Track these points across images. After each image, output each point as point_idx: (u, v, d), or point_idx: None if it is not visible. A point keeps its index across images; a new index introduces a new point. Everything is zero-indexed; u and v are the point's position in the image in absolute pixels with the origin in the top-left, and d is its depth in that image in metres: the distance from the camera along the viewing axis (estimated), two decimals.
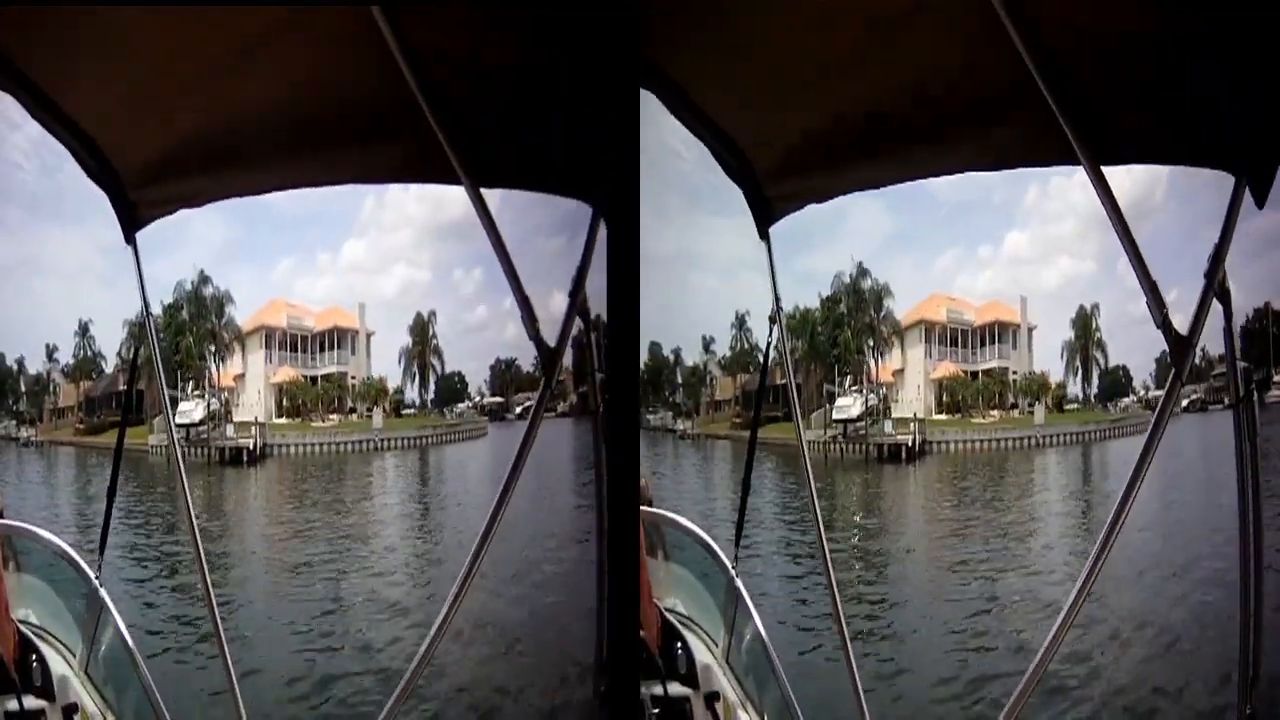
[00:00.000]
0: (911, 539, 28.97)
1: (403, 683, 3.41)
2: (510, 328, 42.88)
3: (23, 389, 45.82)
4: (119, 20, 2.83)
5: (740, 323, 46.54)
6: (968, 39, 2.84)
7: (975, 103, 3.06)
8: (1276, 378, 37.30)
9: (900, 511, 34.11)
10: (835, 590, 4.77)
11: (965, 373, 45.22)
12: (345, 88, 3.07)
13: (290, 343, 45.21)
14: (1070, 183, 44.20)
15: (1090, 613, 16.62)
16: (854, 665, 4.45)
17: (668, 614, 4.93)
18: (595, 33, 2.91)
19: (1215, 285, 2.88)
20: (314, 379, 44.82)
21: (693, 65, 3.21)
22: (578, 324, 3.16)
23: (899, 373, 45.16)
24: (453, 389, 45.07)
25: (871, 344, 45.00)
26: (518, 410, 43.80)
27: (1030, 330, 46.00)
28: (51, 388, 45.94)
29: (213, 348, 43.46)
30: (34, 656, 4.70)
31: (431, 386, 45.27)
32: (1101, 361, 44.77)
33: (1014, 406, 44.63)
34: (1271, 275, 38.37)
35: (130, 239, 3.70)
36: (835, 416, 43.45)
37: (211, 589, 4.69)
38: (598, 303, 3.15)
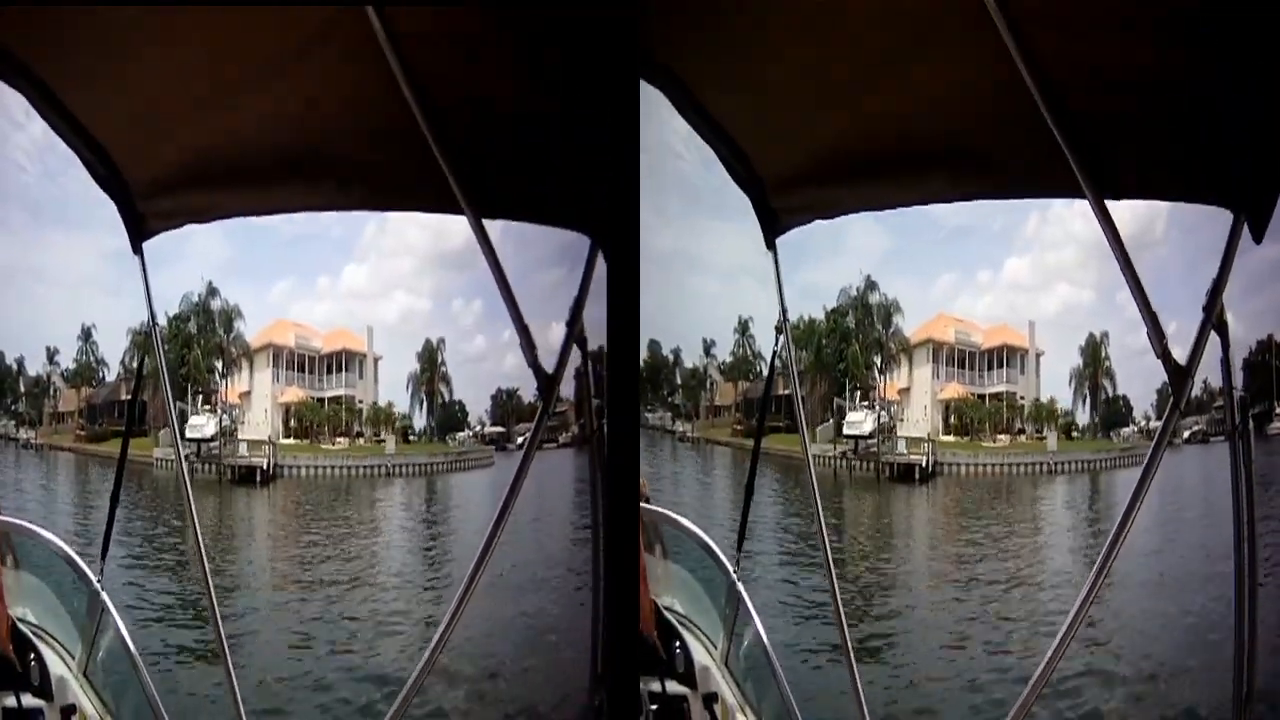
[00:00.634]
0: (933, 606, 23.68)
1: (404, 691, 3.48)
2: (509, 359, 42.76)
3: (22, 389, 45.34)
4: (137, 32, 2.89)
5: (744, 328, 46.27)
6: (977, 67, 2.90)
7: (981, 132, 3.13)
8: (1278, 410, 37.42)
9: (916, 553, 30.30)
10: (836, 590, 4.86)
11: (973, 395, 45.08)
12: (353, 116, 3.13)
13: (297, 363, 44.95)
14: (1071, 211, 43.90)
15: None
16: (856, 672, 4.54)
17: (666, 612, 5.00)
18: (591, 44, 2.96)
19: (1213, 318, 2.96)
20: (321, 401, 44.52)
21: (701, 67, 3.27)
22: (576, 353, 3.23)
23: (904, 391, 44.75)
24: (453, 417, 44.98)
25: (880, 360, 44.75)
26: (518, 440, 43.61)
27: (1038, 356, 45.99)
28: (52, 391, 45.44)
29: (220, 363, 42.95)
30: (32, 656, 4.75)
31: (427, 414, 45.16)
32: (1109, 390, 44.77)
33: (1021, 432, 44.51)
34: (1273, 308, 38.51)
35: (137, 249, 3.75)
36: (847, 432, 42.81)
37: (219, 615, 4.71)
38: (595, 332, 3.22)
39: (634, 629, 4.21)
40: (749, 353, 45.98)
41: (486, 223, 3.19)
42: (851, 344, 44.21)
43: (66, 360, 45.04)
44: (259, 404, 43.48)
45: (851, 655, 4.68)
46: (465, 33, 2.93)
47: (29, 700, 4.65)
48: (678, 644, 4.90)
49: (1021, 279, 49.13)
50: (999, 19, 2.67)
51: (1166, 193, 3.20)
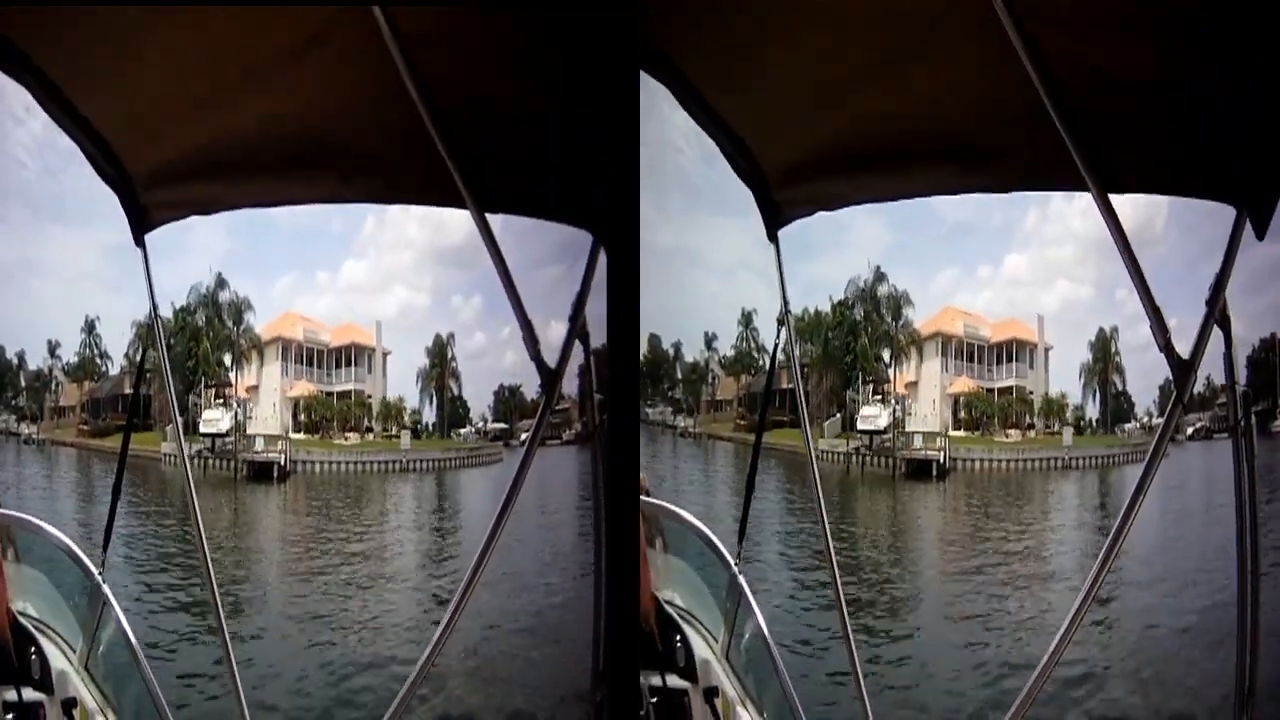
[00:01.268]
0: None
1: (405, 687, 3.51)
2: (508, 356, 42.96)
3: (23, 384, 45.10)
4: (140, 25, 2.93)
5: (747, 321, 46.10)
6: (982, 61, 2.92)
7: (986, 126, 3.16)
8: None
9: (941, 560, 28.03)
10: (838, 585, 4.89)
11: (982, 389, 44.87)
12: (355, 110, 3.18)
13: (306, 357, 44.81)
14: (1070, 208, 44.18)
15: None
16: (859, 669, 4.58)
17: (666, 606, 5.03)
18: (591, 41, 2.99)
19: (1216, 313, 2.99)
20: (328, 395, 44.36)
21: (702, 59, 3.30)
22: (578, 349, 3.27)
23: (912, 385, 44.47)
24: (455, 413, 44.95)
25: (889, 353, 44.43)
26: (522, 437, 43.47)
27: (1047, 350, 45.88)
28: (53, 385, 45.26)
29: (229, 357, 42.75)
30: (33, 649, 4.77)
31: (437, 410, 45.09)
32: (1119, 385, 44.65)
33: (1031, 427, 44.32)
34: (1275, 306, 38.49)
35: (139, 241, 3.79)
36: (861, 426, 42.35)
37: (224, 620, 4.74)
38: (595, 328, 3.26)
39: (634, 624, 4.24)
40: (752, 346, 45.85)
41: (488, 217, 3.22)
42: (860, 336, 44.01)
43: (68, 354, 45.01)
44: (267, 398, 43.38)
45: (853, 647, 4.71)
46: (466, 29, 2.96)
47: (29, 694, 4.68)
48: (678, 638, 4.92)
49: (1021, 275, 49.22)
50: (1004, 16, 2.69)
51: (1169, 188, 3.22)
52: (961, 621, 21.39)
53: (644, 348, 43.35)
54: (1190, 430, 39.30)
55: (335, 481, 40.01)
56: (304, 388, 43.98)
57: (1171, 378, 2.99)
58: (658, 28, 3.10)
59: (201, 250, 41.42)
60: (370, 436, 43.30)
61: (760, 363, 45.00)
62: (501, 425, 43.91)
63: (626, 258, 3.08)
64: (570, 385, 3.41)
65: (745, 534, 5.19)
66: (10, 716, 4.59)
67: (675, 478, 37.50)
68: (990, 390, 44.63)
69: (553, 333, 3.28)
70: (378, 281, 48.94)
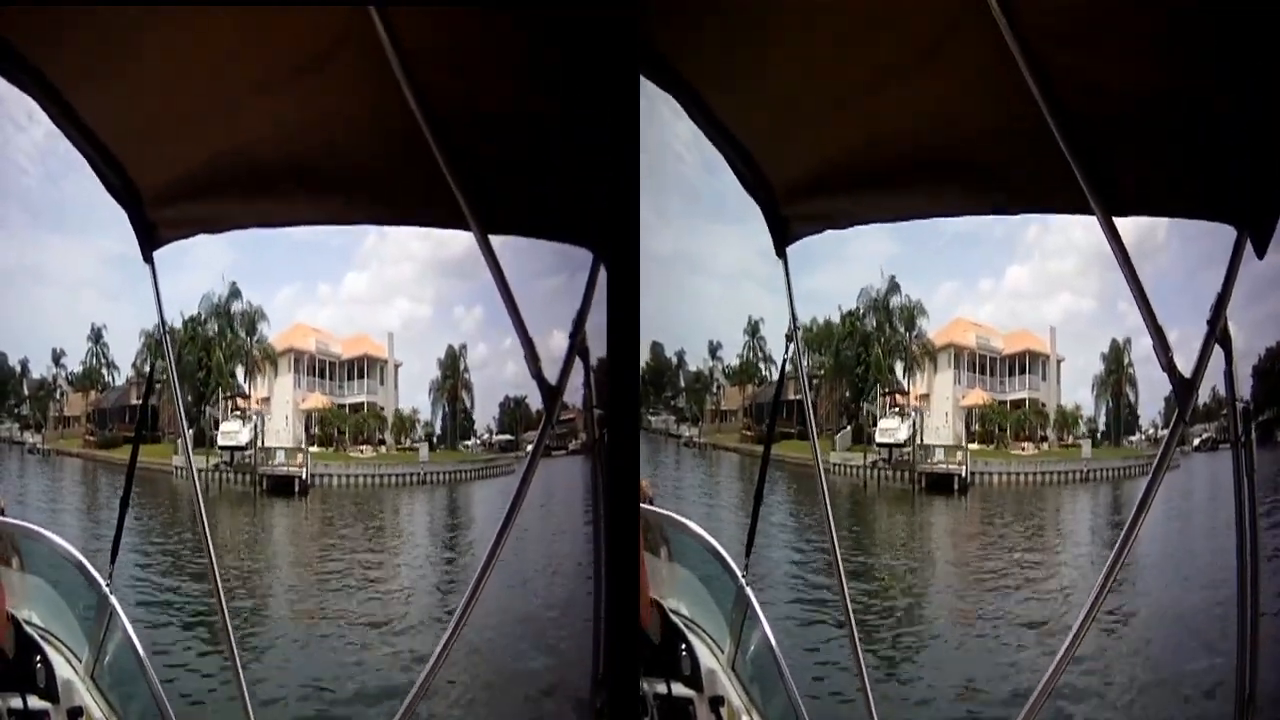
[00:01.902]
0: None
1: (412, 693, 3.56)
2: (510, 366, 42.68)
3: (26, 392, 44.74)
4: (142, 34, 2.98)
5: (754, 330, 45.82)
6: (985, 81, 2.97)
7: (989, 144, 3.20)
8: None
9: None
10: (846, 592, 4.93)
11: (996, 402, 44.58)
12: (359, 129, 3.23)
13: (318, 368, 44.60)
14: (1071, 221, 43.85)
15: None
16: (865, 675, 4.62)
17: (671, 615, 5.07)
18: (593, 50, 3.04)
19: (1218, 332, 3.05)
20: (341, 407, 44.12)
21: (707, 71, 3.34)
22: (578, 364, 3.33)
23: (923, 397, 44.26)
24: (460, 425, 44.89)
25: (903, 364, 43.91)
26: (526, 449, 43.00)
27: (1059, 362, 45.72)
28: (58, 394, 44.83)
29: (241, 369, 42.33)
30: (38, 658, 4.82)
31: (442, 421, 44.95)
32: (1132, 396, 44.45)
33: (1044, 439, 44.05)
34: (1275, 315, 38.43)
35: (148, 257, 3.83)
36: (880, 440, 41.64)
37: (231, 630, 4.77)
38: (596, 338, 3.32)
39: (635, 631, 4.28)
40: (759, 355, 45.53)
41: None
42: (874, 347, 43.77)
43: (73, 363, 44.87)
44: (279, 410, 43.14)
45: (864, 670, 4.73)
46: (466, 45, 3.02)
47: (35, 702, 4.73)
48: (683, 647, 4.96)
49: (1023, 287, 49.15)
50: (1009, 36, 2.75)
51: (1172, 209, 3.30)
52: None
53: (646, 355, 43.16)
54: (1196, 441, 39.11)
55: (355, 496, 39.50)
56: (317, 400, 43.83)
57: (1174, 395, 3.05)
58: (658, 34, 3.14)
59: (204, 262, 41.36)
60: (383, 449, 43.30)
61: (765, 373, 44.79)
62: (507, 437, 43.81)
63: (626, 272, 3.13)
64: (574, 395, 3.47)
65: (753, 546, 5.21)
66: None
67: (679, 490, 36.84)
68: (1002, 403, 44.42)
69: (554, 344, 3.33)
70: (379, 293, 49.10)
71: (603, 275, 3.26)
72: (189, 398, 39.85)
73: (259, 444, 40.97)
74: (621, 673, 3.46)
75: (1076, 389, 45.17)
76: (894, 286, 44.02)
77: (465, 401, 44.36)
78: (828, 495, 4.89)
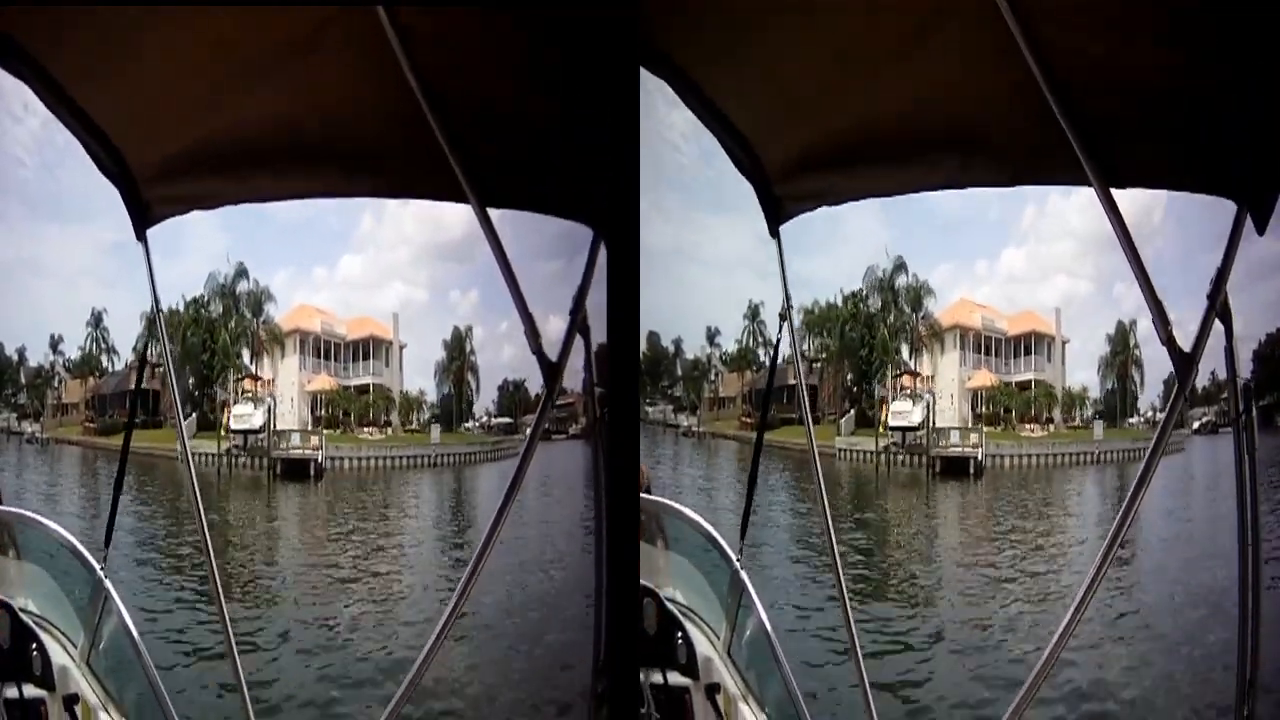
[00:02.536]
0: None
1: (407, 679, 3.57)
2: (507, 350, 43.28)
3: (23, 381, 44.46)
4: (140, 20, 2.98)
5: (754, 314, 45.87)
6: (982, 56, 2.97)
7: (987, 118, 3.21)
8: None
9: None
10: (842, 583, 4.93)
11: (1003, 383, 44.38)
12: (358, 103, 3.23)
13: (323, 349, 44.57)
14: (1067, 203, 44.32)
15: None
16: (862, 666, 4.63)
17: (668, 603, 5.07)
18: (592, 38, 3.04)
19: (1217, 306, 3.04)
20: (347, 389, 44.13)
21: (702, 55, 3.34)
22: (579, 342, 3.33)
23: (928, 379, 44.31)
24: (462, 407, 44.92)
25: (909, 346, 43.85)
26: (526, 431, 42.62)
27: (1064, 343, 45.68)
28: (56, 381, 44.64)
29: (248, 350, 42.25)
30: (34, 646, 4.82)
31: (441, 402, 44.91)
32: (1138, 379, 44.38)
33: (1049, 421, 43.86)
34: (1274, 301, 38.44)
35: (141, 236, 3.84)
36: (892, 423, 41.34)
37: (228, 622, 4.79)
38: (595, 320, 3.32)
39: (635, 614, 4.29)
40: (759, 341, 45.53)
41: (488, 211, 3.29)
42: (880, 328, 43.64)
43: (71, 349, 44.83)
44: (285, 392, 43.26)
45: (860, 660, 4.74)
46: (467, 23, 3.01)
47: (30, 691, 4.75)
48: (679, 635, 4.97)
49: (1019, 270, 49.27)
50: (1005, 8, 2.74)
51: (1170, 182, 3.28)
52: None
53: (643, 346, 43.15)
54: (1196, 424, 39.07)
55: (368, 478, 38.91)
56: (323, 381, 43.86)
57: (1173, 369, 3.04)
58: (657, 21, 3.14)
59: (198, 247, 41.40)
60: (389, 431, 43.13)
61: (765, 359, 44.79)
62: (506, 420, 43.86)
63: (627, 250, 3.13)
64: (574, 380, 3.47)
65: (747, 530, 5.22)
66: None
67: (677, 481, 35.80)
68: (1008, 384, 44.38)
69: (552, 328, 3.34)
70: (375, 277, 49.24)
71: (602, 256, 3.26)
72: (191, 380, 39.66)
73: (271, 427, 40.82)
74: (622, 658, 3.46)
75: (1074, 371, 45.25)
76: (900, 266, 44.02)
77: (471, 384, 44.42)
78: (822, 483, 4.88)
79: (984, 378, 44.59)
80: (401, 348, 45.51)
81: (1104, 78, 2.91)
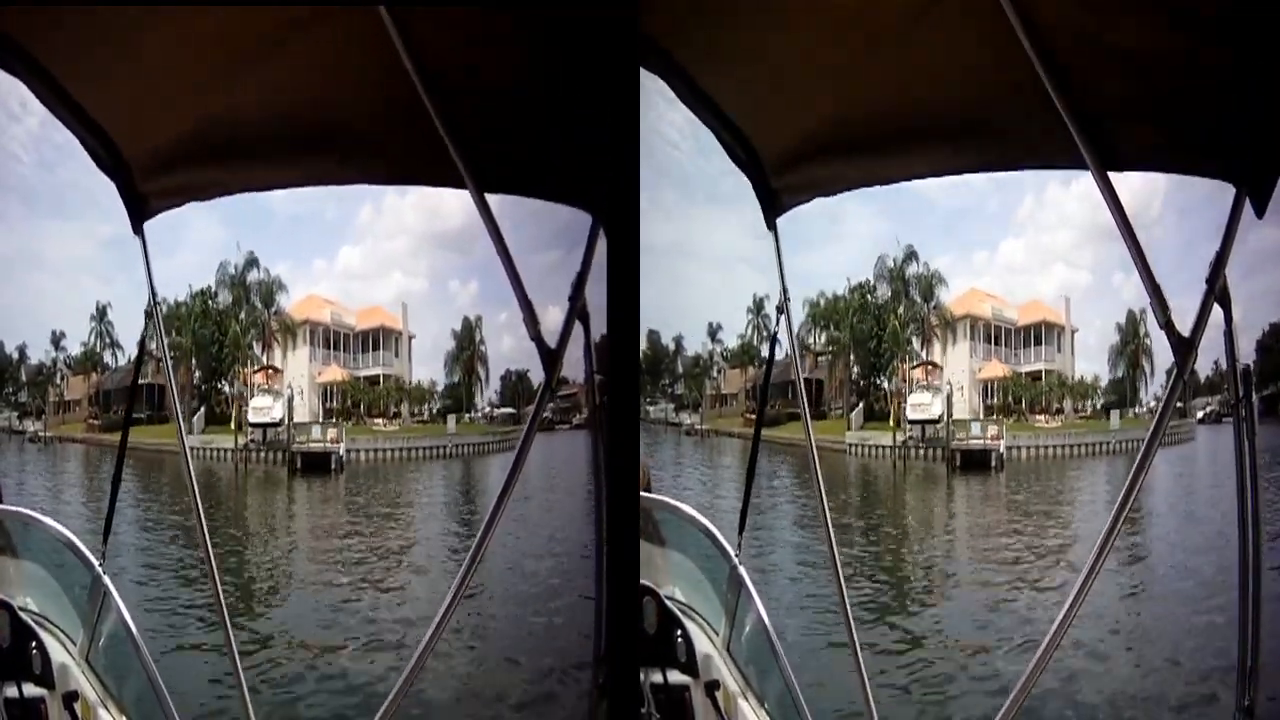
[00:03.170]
0: None
1: (406, 671, 3.59)
2: (507, 340, 43.28)
3: (24, 378, 44.09)
4: (133, 13, 2.99)
5: (758, 308, 45.53)
6: (979, 40, 2.98)
7: (985, 104, 3.22)
8: None
9: None
10: (840, 577, 4.94)
11: (1014, 373, 44.10)
12: (355, 90, 3.25)
13: (333, 340, 44.44)
14: (1066, 193, 44.20)
15: None
16: (860, 659, 4.65)
17: (667, 601, 5.07)
18: (593, 32, 3.06)
19: (1217, 290, 3.05)
20: (358, 380, 43.95)
21: (697, 47, 3.36)
22: (580, 332, 3.34)
23: (940, 370, 44.24)
24: (469, 398, 44.86)
25: (920, 337, 43.61)
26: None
27: (1074, 333, 45.51)
28: (58, 378, 44.14)
29: (259, 342, 41.93)
30: (33, 644, 4.84)
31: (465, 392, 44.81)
32: (1148, 368, 44.21)
33: (1059, 411, 43.57)
34: (1273, 289, 38.34)
35: (138, 229, 3.86)
36: (912, 416, 40.95)
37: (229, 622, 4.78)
38: (594, 313, 3.34)
39: (635, 604, 4.30)
40: (765, 334, 45.25)
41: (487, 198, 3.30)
42: (890, 319, 43.41)
43: (73, 345, 44.57)
44: (295, 384, 43.07)
45: (858, 652, 4.75)
46: (468, 12, 3.03)
47: (30, 689, 4.77)
48: (679, 633, 4.97)
49: (1018, 261, 49.22)
50: None
51: (1169, 165, 3.29)
52: None
53: (643, 343, 43.04)
54: (1200, 414, 38.85)
55: (390, 472, 37.90)
56: (334, 372, 43.68)
57: (1172, 354, 3.05)
58: (656, 18, 3.16)
59: (196, 241, 41.43)
60: (398, 421, 42.94)
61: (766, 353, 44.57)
62: (508, 410, 43.77)
63: (626, 239, 3.15)
64: (576, 371, 3.48)
65: (745, 524, 5.22)
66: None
67: (678, 483, 34.56)
68: (1018, 374, 44.20)
69: (551, 317, 3.35)
70: (374, 268, 49.22)
71: (602, 250, 3.27)
72: (199, 374, 39.41)
73: (290, 420, 40.44)
74: (622, 655, 3.48)
75: (1078, 360, 45.12)
76: (911, 255, 43.86)
77: (480, 374, 44.40)
78: (821, 479, 4.89)
79: (995, 368, 44.41)
80: (411, 338, 45.50)
81: (1103, 61, 2.92)
